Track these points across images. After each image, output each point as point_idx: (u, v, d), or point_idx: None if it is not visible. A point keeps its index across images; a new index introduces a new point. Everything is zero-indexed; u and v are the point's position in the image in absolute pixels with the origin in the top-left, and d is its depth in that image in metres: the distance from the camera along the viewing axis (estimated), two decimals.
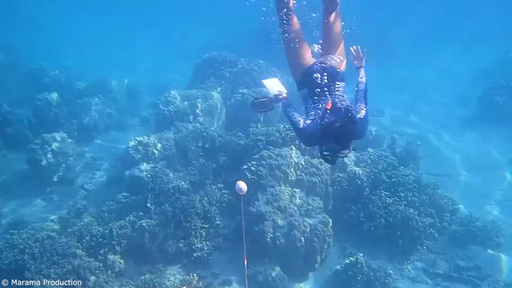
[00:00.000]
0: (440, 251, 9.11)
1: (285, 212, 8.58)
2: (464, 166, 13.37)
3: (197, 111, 12.65)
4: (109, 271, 7.85)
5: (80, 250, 8.02)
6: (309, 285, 8.05)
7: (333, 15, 4.17)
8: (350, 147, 3.41)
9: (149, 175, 9.54)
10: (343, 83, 4.12)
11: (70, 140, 11.86)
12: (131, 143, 10.64)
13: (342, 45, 4.28)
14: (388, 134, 13.67)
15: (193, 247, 8.37)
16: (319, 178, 9.26)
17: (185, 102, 12.74)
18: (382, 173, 9.76)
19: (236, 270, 8.05)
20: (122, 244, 8.23)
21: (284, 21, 4.14)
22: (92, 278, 7.62)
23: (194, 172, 10.42)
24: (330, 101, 3.70)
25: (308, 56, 4.23)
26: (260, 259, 8.09)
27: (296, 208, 8.64)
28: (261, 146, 10.05)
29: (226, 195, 9.59)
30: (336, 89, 4.01)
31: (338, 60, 4.15)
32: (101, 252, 8.09)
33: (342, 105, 3.63)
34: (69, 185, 11.39)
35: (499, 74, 18.61)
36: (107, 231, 8.28)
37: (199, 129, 11.51)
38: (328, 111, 3.52)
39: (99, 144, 13.83)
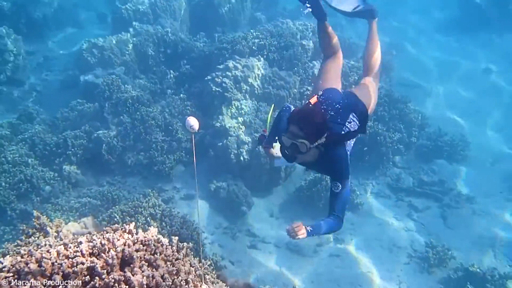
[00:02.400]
0: (405, 166, 9.32)
1: (250, 127, 8.37)
2: (439, 76, 13.14)
3: (158, 11, 11.58)
4: (65, 182, 7.60)
5: (32, 159, 7.63)
6: (273, 201, 8.15)
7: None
8: (313, 139, 2.84)
9: (105, 82, 8.87)
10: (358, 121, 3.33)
11: (17, 36, 10.70)
12: (85, 45, 9.74)
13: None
14: (363, 42, 13.10)
15: (154, 160, 8.14)
16: (287, 91, 8.95)
17: (145, 1, 11.58)
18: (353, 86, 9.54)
19: (198, 183, 8.00)
20: (78, 155, 7.88)
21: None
22: (47, 188, 7.36)
23: (154, 81, 9.81)
24: (315, 95, 3.22)
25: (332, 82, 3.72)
26: (223, 174, 8.03)
27: (262, 123, 8.42)
28: (227, 55, 9.46)
29: (189, 107, 9.19)
30: (348, 120, 3.23)
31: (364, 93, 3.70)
32: (56, 162, 7.74)
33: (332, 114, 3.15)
34: (19, 86, 10.53)
35: None
36: (62, 140, 7.86)
37: (160, 32, 10.60)
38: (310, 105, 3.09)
39: (51, 42, 12.63)
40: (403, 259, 7.29)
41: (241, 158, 7.99)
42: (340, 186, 3.06)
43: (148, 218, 5.89)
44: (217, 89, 8.78)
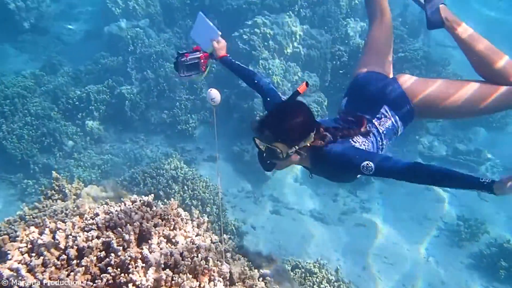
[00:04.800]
0: (440, 133, 8.83)
1: (278, 89, 7.96)
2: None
3: None
4: (88, 137, 7.49)
5: (55, 112, 7.52)
6: (299, 166, 7.86)
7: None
8: (291, 142, 2.18)
9: (129, 36, 8.55)
10: (395, 117, 2.56)
11: None
12: None
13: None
14: None
15: (178, 119, 7.92)
16: (317, 51, 8.46)
17: None
18: None
19: (222, 145, 7.78)
20: (101, 110, 7.72)
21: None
22: (70, 143, 7.29)
23: (180, 35, 9.43)
24: (305, 82, 2.41)
25: (371, 66, 2.79)
26: (247, 137, 7.74)
27: (290, 85, 8.04)
28: (256, 10, 8.95)
29: (214, 65, 8.80)
30: (378, 116, 2.53)
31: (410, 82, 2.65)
32: (79, 116, 7.62)
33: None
34: (43, 34, 10.31)
35: None
36: (85, 94, 7.69)
37: None
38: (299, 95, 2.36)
39: None
40: (432, 232, 7.02)
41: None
42: (372, 163, 2.13)
43: (170, 181, 5.74)
44: (244, 46, 8.38)
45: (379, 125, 2.51)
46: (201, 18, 3.03)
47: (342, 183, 2.62)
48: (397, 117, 2.55)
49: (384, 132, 2.53)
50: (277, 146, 2.15)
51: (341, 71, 8.48)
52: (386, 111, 2.53)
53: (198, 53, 2.90)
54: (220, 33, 3.04)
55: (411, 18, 11.03)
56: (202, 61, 2.91)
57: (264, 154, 2.24)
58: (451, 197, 7.60)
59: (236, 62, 2.99)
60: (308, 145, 2.23)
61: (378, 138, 2.51)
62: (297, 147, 2.20)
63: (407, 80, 2.63)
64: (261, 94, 2.78)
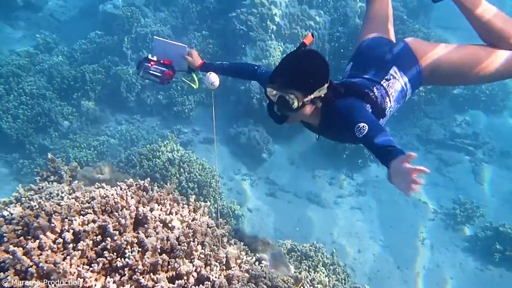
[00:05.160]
0: (438, 116, 8.79)
1: None
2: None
3: None
4: (84, 118, 7.43)
5: (50, 92, 7.42)
6: (294, 148, 7.88)
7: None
8: (307, 89, 2.06)
9: (124, 15, 8.39)
10: (404, 78, 2.49)
11: None
12: None
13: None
14: None
15: (174, 100, 7.85)
16: (316, 32, 8.34)
17: None
18: None
19: (218, 128, 7.74)
20: (96, 91, 7.64)
21: None
22: (66, 123, 7.23)
23: (176, 15, 9.26)
24: (310, 33, 2.24)
25: (375, 33, 2.78)
26: (244, 119, 7.72)
27: None
28: None
29: (211, 45, 8.70)
30: (386, 77, 2.45)
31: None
32: (74, 96, 7.52)
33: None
34: (37, 11, 10.13)
35: None
36: (80, 74, 7.58)
37: None
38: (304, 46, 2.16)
39: None
40: (428, 215, 7.08)
41: (264, 103, 7.62)
42: (366, 125, 2.02)
43: (166, 164, 5.71)
44: (242, 27, 8.26)
45: (388, 86, 2.45)
46: (158, 42, 2.98)
47: (349, 143, 2.64)
48: (406, 78, 2.50)
49: (393, 94, 2.48)
50: (292, 94, 2.03)
51: (341, 51, 8.39)
52: (396, 72, 2.48)
53: (164, 69, 2.87)
54: (186, 46, 2.99)
55: None
56: (164, 76, 2.88)
57: (276, 106, 2.11)
58: (447, 181, 7.64)
59: (216, 63, 2.94)
60: (322, 96, 2.13)
61: (387, 100, 2.46)
62: (312, 96, 2.08)
63: (415, 42, 2.60)
64: (257, 81, 2.74)
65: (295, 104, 2.05)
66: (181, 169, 5.82)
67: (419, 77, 2.54)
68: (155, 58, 2.88)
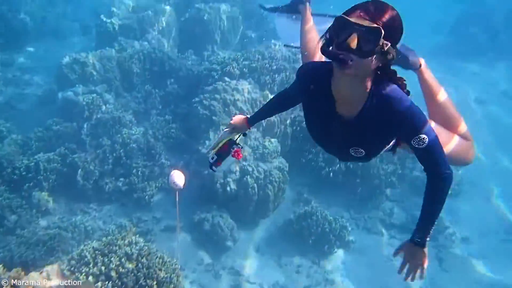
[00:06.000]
0: (399, 199, 8.80)
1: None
2: None
3: (146, 26, 11.11)
4: (34, 210, 6.96)
5: None
6: (260, 234, 7.60)
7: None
8: (389, 30, 1.78)
9: (85, 101, 8.31)
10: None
11: None
12: (65, 60, 9.16)
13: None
14: None
15: (134, 186, 7.57)
16: (278, 117, 8.50)
17: (132, 15, 11.11)
18: None
19: (180, 214, 7.41)
20: (51, 180, 7.26)
21: None
22: (13, 217, 6.72)
23: (138, 100, 9.29)
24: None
25: None
26: (208, 205, 7.46)
27: (250, 150, 7.94)
28: (216, 77, 9.01)
29: (174, 129, 8.65)
30: None
31: None
32: (25, 187, 7.10)
33: None
34: None
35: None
36: (33, 164, 7.23)
37: (147, 49, 10.14)
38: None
39: (31, 53, 12.02)
40: None
41: (228, 188, 7.46)
42: (426, 137, 1.98)
43: (123, 259, 5.29)
44: (205, 112, 8.31)
45: None
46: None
47: (375, 151, 2.32)
48: None
49: None
50: (375, 27, 1.74)
51: (301, 135, 8.53)
52: None
53: (229, 156, 2.92)
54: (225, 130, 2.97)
55: None
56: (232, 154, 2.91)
57: (349, 43, 1.75)
58: None
59: (257, 112, 2.98)
60: (385, 62, 1.85)
61: None
62: (389, 45, 1.78)
63: None
64: (294, 96, 2.62)
65: (371, 44, 1.75)
66: (139, 264, 5.39)
67: None
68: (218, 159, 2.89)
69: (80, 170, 7.36)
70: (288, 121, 8.59)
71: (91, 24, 13.24)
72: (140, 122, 8.78)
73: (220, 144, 2.90)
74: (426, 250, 2.16)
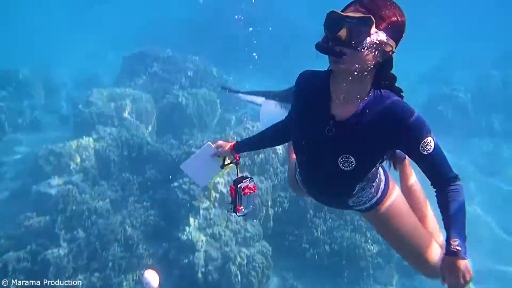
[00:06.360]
0: (387, 282, 8.50)
1: (220, 240, 7.58)
2: None
3: (124, 114, 11.24)
4: None
5: None
6: None
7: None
8: (384, 21, 1.80)
9: (60, 193, 8.07)
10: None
11: None
12: (41, 151, 9.04)
13: None
14: None
15: (110, 281, 7.11)
16: (258, 198, 8.37)
17: (110, 103, 11.27)
18: None
19: None
20: (19, 283, 6.77)
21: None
22: None
23: (116, 188, 9.09)
24: None
25: None
26: None
27: (232, 235, 7.68)
28: None
29: (152, 216, 8.39)
30: None
31: None
32: None
33: None
34: None
35: (441, 80, 18.66)
36: (1, 265, 6.78)
37: (125, 135, 10.16)
38: None
39: (5, 147, 11.86)
40: None
41: (209, 277, 7.08)
42: (432, 141, 1.93)
43: None
44: (184, 196, 8.14)
45: None
46: (187, 167, 3.04)
47: (366, 162, 2.10)
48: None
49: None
50: (367, 18, 1.73)
51: (284, 217, 8.39)
52: None
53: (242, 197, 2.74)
54: (210, 142, 2.96)
55: None
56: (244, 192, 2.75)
57: (340, 35, 1.74)
58: None
59: (246, 139, 2.96)
60: (391, 50, 1.84)
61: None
62: (385, 38, 1.78)
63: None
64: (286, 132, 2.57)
65: (363, 34, 1.73)
66: None
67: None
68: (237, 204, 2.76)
69: (52, 267, 6.91)
70: (269, 203, 8.46)
71: (69, 114, 13.36)
72: (117, 211, 8.50)
73: (211, 184, 3.01)
74: (467, 261, 1.85)
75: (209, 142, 2.99)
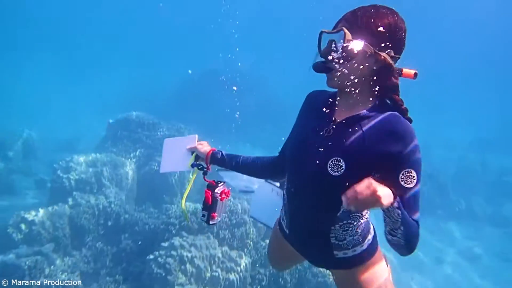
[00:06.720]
0: None
1: None
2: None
3: (103, 180, 11.02)
4: None
5: None
6: None
7: None
8: (376, 37, 1.86)
9: (27, 265, 7.62)
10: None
11: None
12: (12, 220, 8.67)
13: None
14: None
15: None
16: (237, 275, 8.04)
17: (90, 169, 11.06)
18: (308, 270, 8.81)
19: None
20: None
21: None
22: None
23: (88, 259, 8.65)
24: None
25: None
26: None
27: None
28: (173, 232, 8.70)
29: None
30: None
31: None
32: None
33: None
34: None
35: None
36: None
37: (103, 203, 9.87)
38: None
39: None
40: None
41: None
42: (416, 178, 1.88)
43: None
44: (159, 271, 7.76)
45: None
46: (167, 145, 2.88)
47: (356, 168, 1.93)
48: None
49: None
50: (350, 37, 1.80)
51: None
52: None
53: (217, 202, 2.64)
54: (196, 136, 2.79)
55: None
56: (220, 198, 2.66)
57: (324, 52, 1.89)
58: None
59: (228, 154, 2.85)
60: (388, 59, 1.84)
61: None
62: (376, 51, 1.83)
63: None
64: (280, 164, 2.54)
65: (353, 50, 1.79)
66: None
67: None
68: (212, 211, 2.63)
69: None
70: (248, 279, 8.13)
71: (46, 179, 13.04)
72: (87, 285, 8.02)
73: (190, 186, 2.77)
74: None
75: (196, 135, 2.91)
